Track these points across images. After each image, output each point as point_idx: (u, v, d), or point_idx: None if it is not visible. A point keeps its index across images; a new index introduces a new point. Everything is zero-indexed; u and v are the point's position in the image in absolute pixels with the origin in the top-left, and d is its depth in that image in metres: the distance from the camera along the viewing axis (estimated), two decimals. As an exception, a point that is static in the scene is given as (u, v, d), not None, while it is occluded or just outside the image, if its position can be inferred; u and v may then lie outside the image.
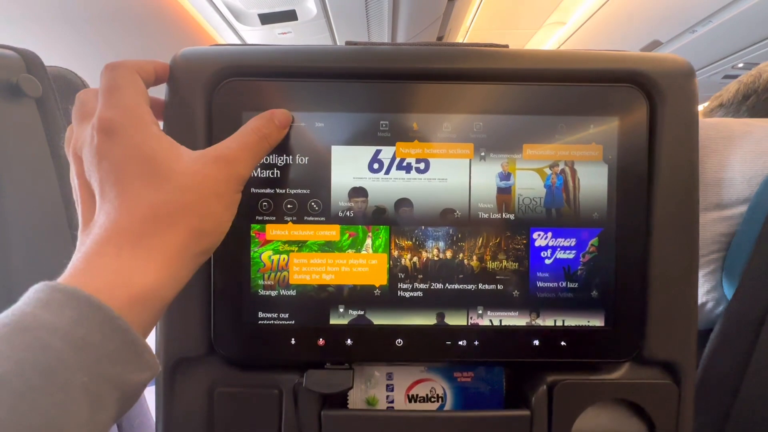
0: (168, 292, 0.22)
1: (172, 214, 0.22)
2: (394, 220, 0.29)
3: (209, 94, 0.29)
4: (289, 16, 1.62)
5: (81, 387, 0.17)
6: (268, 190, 0.29)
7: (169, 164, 0.23)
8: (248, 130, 0.26)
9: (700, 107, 0.64)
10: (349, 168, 0.29)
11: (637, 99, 0.29)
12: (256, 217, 0.29)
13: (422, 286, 0.30)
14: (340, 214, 0.29)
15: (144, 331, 0.21)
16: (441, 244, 0.29)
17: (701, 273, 0.44)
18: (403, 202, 0.29)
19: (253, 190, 0.29)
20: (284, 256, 0.29)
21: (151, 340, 0.30)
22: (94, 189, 0.23)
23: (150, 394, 0.49)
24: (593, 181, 0.29)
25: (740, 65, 2.40)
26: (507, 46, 0.31)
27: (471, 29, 2.68)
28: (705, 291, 0.45)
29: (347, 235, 0.29)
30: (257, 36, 1.83)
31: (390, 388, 0.33)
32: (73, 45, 1.19)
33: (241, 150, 0.25)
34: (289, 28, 1.75)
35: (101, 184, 0.22)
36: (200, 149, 0.29)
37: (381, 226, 0.29)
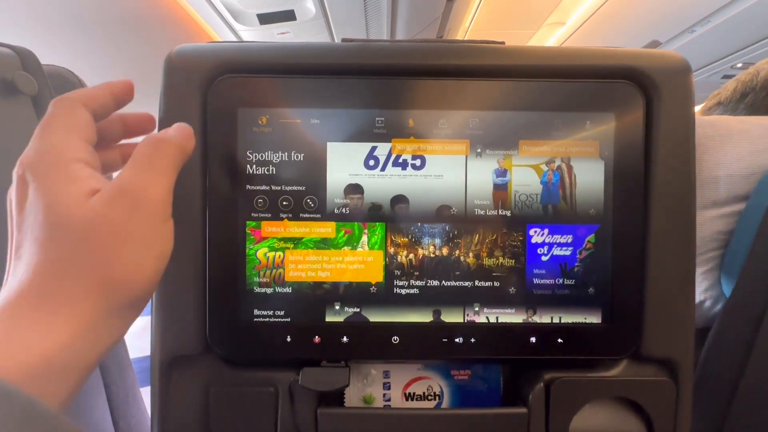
0: (84, 355, 0.20)
1: (74, 270, 0.20)
2: (390, 217, 0.29)
3: (204, 91, 0.29)
4: (288, 16, 1.62)
5: None
6: (263, 187, 0.29)
7: (71, 211, 0.20)
8: (140, 145, 0.23)
9: (698, 107, 0.64)
10: (344, 165, 0.29)
11: (634, 95, 0.29)
12: (252, 214, 0.29)
13: (418, 283, 0.29)
14: (336, 211, 0.29)
15: (59, 399, 0.19)
16: (437, 240, 0.29)
17: (699, 271, 0.44)
18: (399, 199, 0.29)
19: (248, 186, 0.29)
20: (280, 253, 0.29)
21: (146, 338, 0.30)
22: (15, 236, 0.21)
23: (146, 393, 0.49)
24: (590, 178, 0.29)
25: (739, 65, 2.40)
26: (503, 42, 0.31)
27: (470, 30, 2.68)
28: (703, 289, 0.45)
29: (343, 232, 0.29)
30: (256, 36, 1.83)
31: (387, 386, 0.33)
32: (74, 44, 1.19)
33: (139, 171, 0.22)
34: (288, 28, 1.75)
35: (15, 237, 0.21)
36: (195, 149, 0.29)
37: (377, 223, 0.29)
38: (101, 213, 0.21)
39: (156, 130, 0.29)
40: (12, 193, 0.22)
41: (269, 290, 0.29)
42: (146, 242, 0.22)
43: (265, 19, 1.62)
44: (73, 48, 1.25)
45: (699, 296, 0.45)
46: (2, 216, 0.24)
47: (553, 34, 2.78)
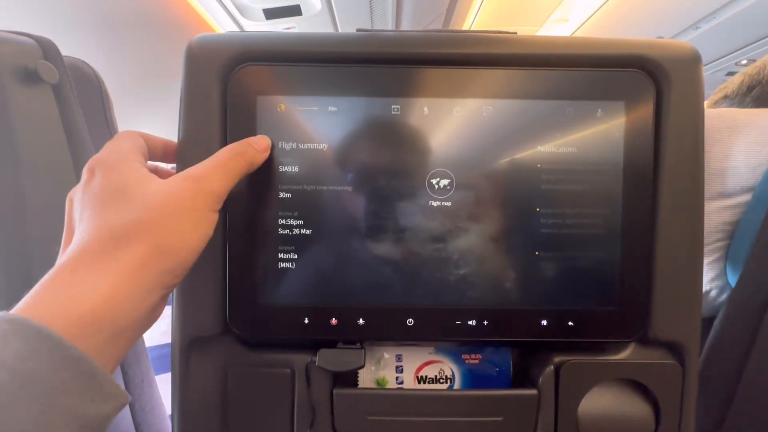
0: (126, 312, 0.21)
1: (131, 232, 0.22)
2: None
3: (224, 80, 0.30)
4: (294, 11, 1.62)
5: (30, 421, 0.17)
6: (282, 170, 0.30)
7: (138, 188, 0.23)
8: (223, 150, 0.27)
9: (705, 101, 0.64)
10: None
11: (644, 84, 0.30)
12: (273, 199, 0.30)
13: (433, 266, 0.30)
14: None
15: (105, 356, 0.21)
16: (449, 224, 0.30)
17: (705, 261, 0.45)
18: None
19: (268, 171, 0.30)
20: (299, 237, 0.30)
21: (167, 319, 0.31)
22: (75, 223, 0.24)
23: (159, 380, 0.50)
24: (600, 165, 0.30)
25: (744, 62, 2.39)
26: (515, 32, 0.32)
27: (474, 25, 2.67)
28: (709, 279, 0.45)
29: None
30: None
31: (399, 369, 0.33)
32: (81, 36, 1.20)
33: (213, 167, 0.26)
34: (294, 23, 1.75)
35: (80, 216, 0.23)
36: (216, 134, 0.30)
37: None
38: (169, 189, 0.24)
39: (178, 117, 0.30)
40: (75, 191, 0.25)
41: (288, 273, 0.30)
42: (196, 221, 0.24)
43: (271, 14, 1.62)
44: (77, 42, 1.26)
45: (705, 286, 0.46)
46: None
47: (556, 31, 2.77)
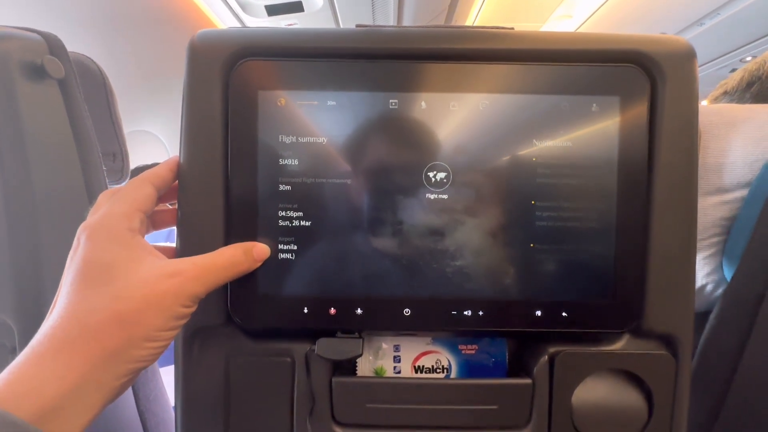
0: (91, 401, 0.22)
1: (103, 322, 0.22)
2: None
3: (226, 75, 0.30)
4: (296, 7, 1.62)
5: None
6: (282, 164, 0.30)
7: (122, 272, 0.23)
8: (222, 253, 0.27)
9: (704, 101, 0.64)
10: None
11: (639, 79, 0.30)
12: (273, 191, 0.30)
13: (430, 257, 0.31)
14: None
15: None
16: (446, 216, 0.30)
17: (702, 256, 0.45)
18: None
19: (267, 165, 0.30)
20: (299, 229, 0.31)
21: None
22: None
23: (163, 372, 0.51)
24: (595, 159, 0.30)
25: (748, 59, 2.38)
26: (512, 28, 0.32)
27: (476, 22, 2.67)
28: (705, 273, 0.46)
29: None
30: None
31: (397, 359, 0.34)
32: (85, 32, 1.21)
33: (204, 270, 0.25)
34: (295, 19, 1.76)
35: (64, 285, 0.23)
36: (218, 128, 0.30)
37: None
38: (151, 282, 0.23)
39: (181, 111, 0.30)
40: (71, 250, 0.25)
41: (288, 264, 0.31)
42: (172, 317, 0.24)
43: (273, 10, 1.63)
44: (81, 38, 1.26)
45: (701, 281, 0.46)
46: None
47: (560, 28, 2.75)
